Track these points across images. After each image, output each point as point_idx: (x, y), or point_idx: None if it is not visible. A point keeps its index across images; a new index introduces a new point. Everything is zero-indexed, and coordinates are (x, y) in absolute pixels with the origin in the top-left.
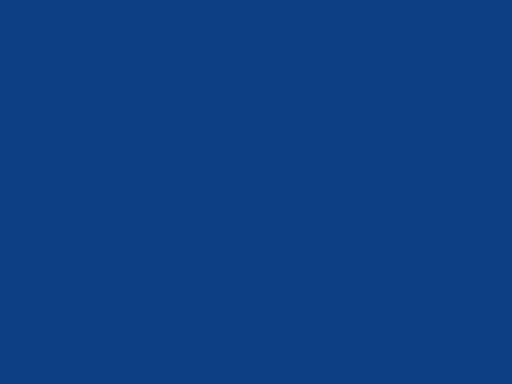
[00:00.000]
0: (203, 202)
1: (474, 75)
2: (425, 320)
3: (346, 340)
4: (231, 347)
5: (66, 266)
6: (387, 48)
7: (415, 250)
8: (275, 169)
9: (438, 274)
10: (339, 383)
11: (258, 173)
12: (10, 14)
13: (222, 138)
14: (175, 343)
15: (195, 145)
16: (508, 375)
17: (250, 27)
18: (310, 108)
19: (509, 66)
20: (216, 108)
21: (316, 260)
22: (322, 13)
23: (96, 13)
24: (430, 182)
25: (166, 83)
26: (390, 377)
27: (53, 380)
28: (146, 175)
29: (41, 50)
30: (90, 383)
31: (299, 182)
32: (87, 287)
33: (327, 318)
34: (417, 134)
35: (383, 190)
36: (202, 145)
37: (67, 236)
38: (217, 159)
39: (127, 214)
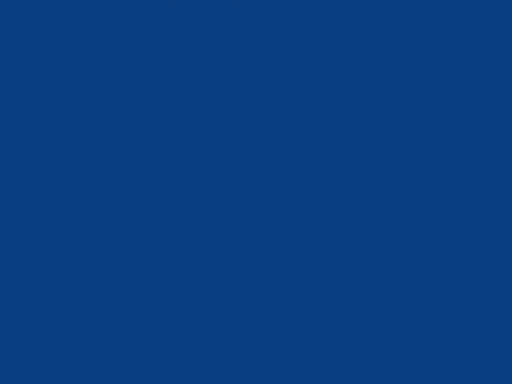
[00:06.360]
0: (203, 202)
1: (473, 75)
2: (425, 320)
3: (346, 340)
4: (231, 347)
5: (66, 266)
6: (387, 48)
7: (415, 250)
8: (275, 169)
9: (438, 274)
10: (339, 383)
11: (258, 173)
12: (10, 14)
13: (221, 138)
14: (175, 343)
15: (195, 145)
16: (508, 375)
17: (250, 28)
18: (310, 108)
19: (509, 65)
20: (216, 108)
21: (316, 260)
22: (322, 13)
23: (96, 13)
24: (429, 182)
25: (166, 83)
26: (389, 377)
27: (53, 380)
28: (146, 175)
29: (41, 50)
30: (90, 383)
31: (299, 182)
32: (87, 287)
33: (327, 318)
34: (417, 134)
35: (383, 190)
36: (202, 145)
37: (67, 236)
38: (217, 159)
39: (127, 214)
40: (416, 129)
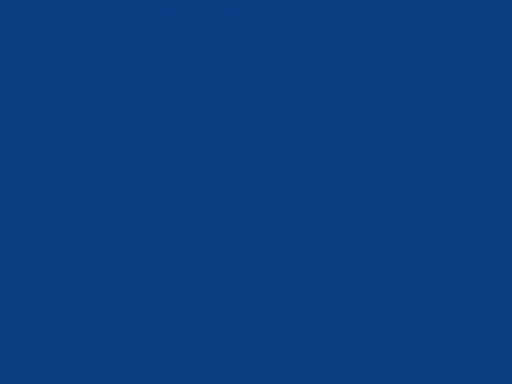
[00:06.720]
0: (203, 202)
1: (474, 75)
2: (425, 320)
3: (346, 340)
4: (231, 347)
5: (66, 266)
6: (387, 48)
7: (415, 250)
8: (275, 169)
9: (438, 274)
10: (339, 383)
11: (258, 173)
12: (10, 14)
13: (222, 138)
14: (175, 343)
15: (195, 145)
16: (508, 375)
17: (250, 27)
18: (310, 108)
19: (509, 66)
20: (216, 108)
21: (316, 260)
22: (322, 13)
23: (96, 13)
24: (430, 182)
25: (166, 83)
26: (390, 377)
27: (53, 380)
28: (146, 175)
29: (41, 50)
30: (90, 383)
31: (299, 182)
32: (87, 287)
33: (327, 318)
34: (417, 134)
35: (383, 190)
36: (202, 145)
37: (67, 236)
38: (217, 159)
39: (127, 214)
40: (416, 129)
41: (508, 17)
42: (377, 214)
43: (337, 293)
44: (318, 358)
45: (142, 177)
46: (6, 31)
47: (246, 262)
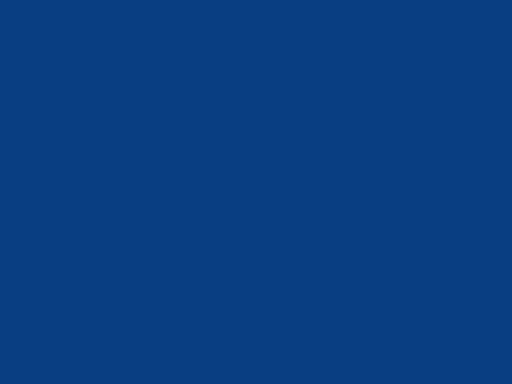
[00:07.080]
0: (203, 202)
1: (474, 75)
2: (425, 320)
3: (346, 340)
4: (231, 347)
5: (66, 266)
6: (387, 48)
7: (415, 250)
8: (275, 169)
9: (438, 274)
10: (339, 383)
11: (258, 173)
12: (10, 14)
13: (222, 138)
14: (175, 343)
15: (195, 145)
16: (508, 375)
17: (250, 27)
18: (310, 108)
19: (509, 66)
20: (216, 108)
21: (316, 260)
22: (322, 13)
23: (96, 13)
24: (430, 182)
25: (166, 83)
26: (390, 377)
27: (53, 380)
28: (146, 175)
29: (41, 50)
30: (90, 383)
31: (299, 182)
32: (87, 287)
33: (327, 318)
34: (417, 134)
35: (383, 190)
36: (202, 145)
37: (67, 236)
38: (217, 159)
39: (127, 214)
40: (416, 129)
41: (508, 17)
42: (377, 214)
43: (337, 293)
44: (318, 358)
45: (142, 176)
46: (6, 31)
47: (246, 261)
